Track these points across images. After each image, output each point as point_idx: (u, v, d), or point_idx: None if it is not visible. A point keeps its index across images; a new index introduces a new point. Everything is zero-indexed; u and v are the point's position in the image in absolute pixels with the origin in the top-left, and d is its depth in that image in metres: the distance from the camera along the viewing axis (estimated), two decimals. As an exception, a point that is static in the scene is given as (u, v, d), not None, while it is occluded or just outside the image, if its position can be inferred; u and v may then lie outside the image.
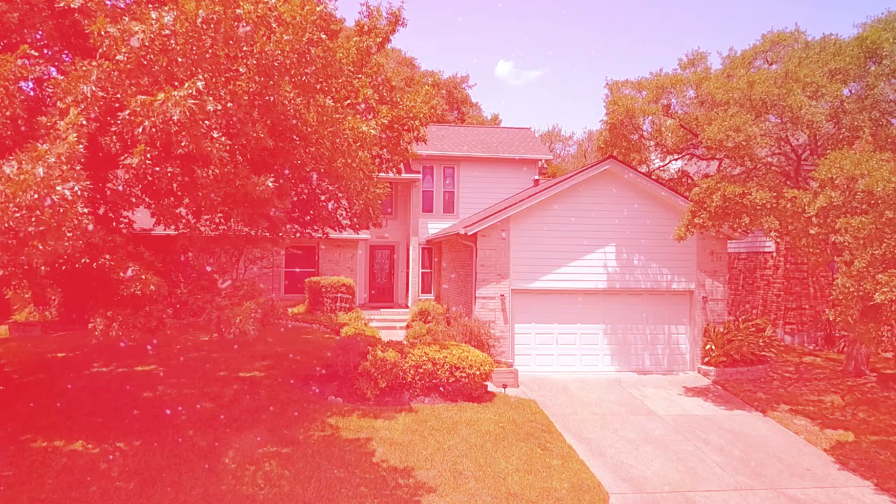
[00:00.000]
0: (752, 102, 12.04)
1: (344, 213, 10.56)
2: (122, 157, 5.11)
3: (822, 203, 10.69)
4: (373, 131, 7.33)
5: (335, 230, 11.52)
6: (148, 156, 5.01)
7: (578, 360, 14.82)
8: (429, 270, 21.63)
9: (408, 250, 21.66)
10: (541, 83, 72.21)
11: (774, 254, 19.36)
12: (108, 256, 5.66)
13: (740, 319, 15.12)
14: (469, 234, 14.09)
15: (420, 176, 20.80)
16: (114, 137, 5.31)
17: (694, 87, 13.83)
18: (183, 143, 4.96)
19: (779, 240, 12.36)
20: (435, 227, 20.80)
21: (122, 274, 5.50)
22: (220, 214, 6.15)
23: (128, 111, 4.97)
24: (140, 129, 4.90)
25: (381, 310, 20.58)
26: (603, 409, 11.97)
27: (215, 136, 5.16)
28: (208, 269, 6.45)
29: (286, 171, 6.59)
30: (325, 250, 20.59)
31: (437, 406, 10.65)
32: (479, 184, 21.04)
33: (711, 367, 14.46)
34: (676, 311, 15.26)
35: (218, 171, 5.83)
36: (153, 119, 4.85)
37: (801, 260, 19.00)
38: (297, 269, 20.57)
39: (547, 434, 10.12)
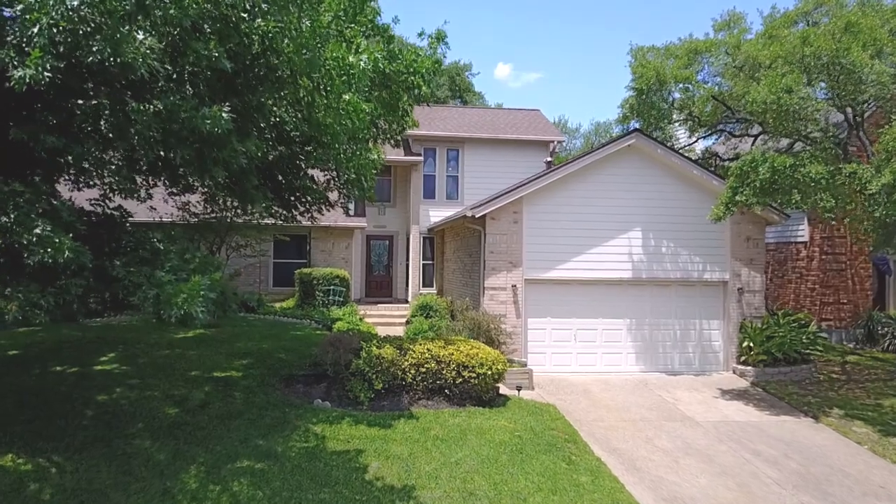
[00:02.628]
0: (803, 62, 10.69)
1: (332, 182, 9.13)
2: (12, 73, 3.76)
3: (888, 179, 9.34)
4: (363, 64, 5.98)
5: (323, 210, 10.15)
6: (48, 66, 3.68)
7: (599, 358, 13.45)
8: (431, 262, 20.27)
9: (408, 240, 20.31)
10: (540, 85, 71.34)
11: (808, 244, 18.00)
12: (12, 215, 4.32)
13: (779, 314, 13.77)
14: (477, 216, 12.73)
15: (421, 158, 19.42)
16: (11, 52, 3.99)
17: (731, 50, 12.45)
18: (95, 49, 3.63)
19: (834, 219, 10.97)
20: (437, 214, 19.43)
21: (27, 237, 4.17)
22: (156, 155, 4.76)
23: (20, 6, 3.63)
24: (36, 30, 3.57)
25: (379, 305, 19.24)
26: (632, 414, 10.62)
27: (140, 37, 3.81)
28: (153, 237, 5.10)
29: (253, 104, 5.17)
30: (317, 239, 19.23)
31: (443, 411, 9.29)
32: (486, 168, 19.66)
33: (749, 367, 13.10)
34: (708, 305, 13.90)
35: (160, 106, 4.48)
36: (53, 14, 3.52)
37: (839, 250, 17.69)
38: (287, 260, 19.20)
39: (571, 444, 8.78)
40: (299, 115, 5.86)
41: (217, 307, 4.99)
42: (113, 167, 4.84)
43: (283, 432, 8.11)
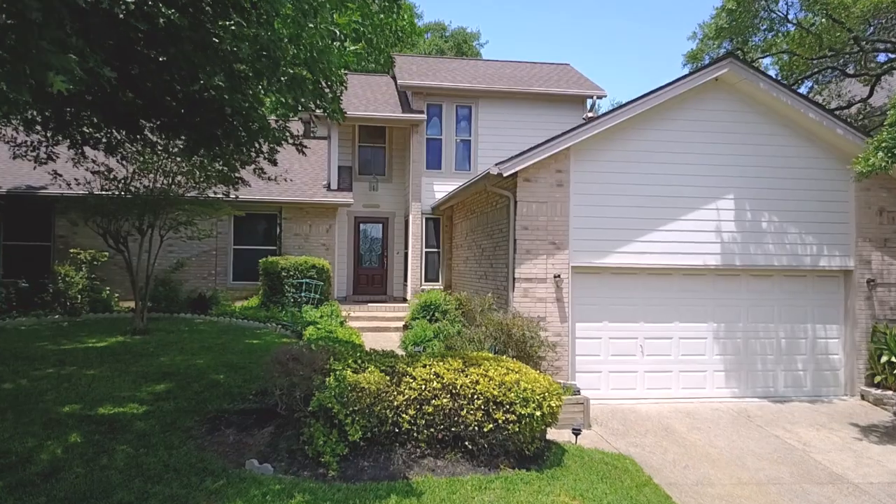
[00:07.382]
0: None
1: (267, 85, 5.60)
2: None
3: None
4: None
5: (267, 148, 6.75)
6: None
7: (675, 379, 10.03)
8: (436, 250, 16.82)
9: (406, 223, 16.90)
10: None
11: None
12: None
13: (923, 316, 10.35)
14: (505, 174, 9.29)
15: (423, 117, 15.95)
16: None
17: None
18: None
19: None
20: (444, 189, 15.97)
21: None
22: None
23: None
24: None
25: (370, 304, 15.83)
26: (751, 472, 7.18)
27: None
28: None
29: None
30: (290, 220, 15.79)
31: (461, 479, 5.81)
32: (506, 130, 16.18)
33: (889, 392, 9.68)
34: (824, 303, 10.46)
35: None
36: None
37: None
38: (252, 247, 15.74)
39: (681, 538, 5.36)
40: None
41: None
42: None
43: (177, 530, 4.71)
